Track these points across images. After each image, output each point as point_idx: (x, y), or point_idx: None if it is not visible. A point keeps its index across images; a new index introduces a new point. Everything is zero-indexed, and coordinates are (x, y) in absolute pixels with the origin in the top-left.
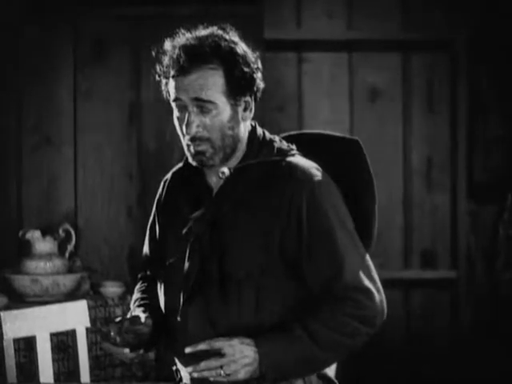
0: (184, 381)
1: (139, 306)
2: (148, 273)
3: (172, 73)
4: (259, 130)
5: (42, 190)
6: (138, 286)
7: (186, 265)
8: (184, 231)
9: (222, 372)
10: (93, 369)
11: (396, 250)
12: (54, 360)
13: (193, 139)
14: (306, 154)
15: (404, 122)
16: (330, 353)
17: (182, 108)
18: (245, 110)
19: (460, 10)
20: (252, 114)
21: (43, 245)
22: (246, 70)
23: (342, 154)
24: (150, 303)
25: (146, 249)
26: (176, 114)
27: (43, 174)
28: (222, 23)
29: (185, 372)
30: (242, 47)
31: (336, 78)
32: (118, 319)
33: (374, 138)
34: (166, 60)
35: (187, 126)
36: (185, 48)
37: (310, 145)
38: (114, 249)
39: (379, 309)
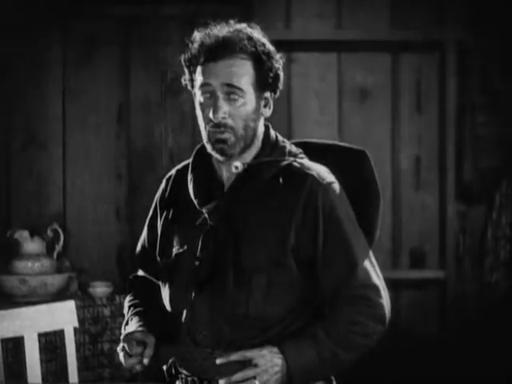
0: (184, 373)
1: (134, 314)
2: (140, 273)
3: (202, 59)
4: (272, 132)
5: (30, 190)
6: (129, 291)
7: (199, 254)
8: (198, 222)
9: (257, 382)
10: (81, 369)
11: (384, 250)
12: (41, 360)
13: (217, 125)
14: (312, 161)
15: (393, 121)
16: (351, 353)
17: (209, 94)
18: (265, 106)
19: (449, 11)
20: (270, 112)
21: (31, 245)
22: (274, 65)
23: (350, 164)
24: (144, 310)
25: (143, 245)
26: (200, 100)
27: (32, 174)
28: (210, 22)
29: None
30: (270, 44)
31: (325, 78)
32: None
33: (362, 138)
34: (196, 47)
35: (214, 111)
36: (218, 36)
37: (316, 153)
38: (103, 249)
39: (386, 306)
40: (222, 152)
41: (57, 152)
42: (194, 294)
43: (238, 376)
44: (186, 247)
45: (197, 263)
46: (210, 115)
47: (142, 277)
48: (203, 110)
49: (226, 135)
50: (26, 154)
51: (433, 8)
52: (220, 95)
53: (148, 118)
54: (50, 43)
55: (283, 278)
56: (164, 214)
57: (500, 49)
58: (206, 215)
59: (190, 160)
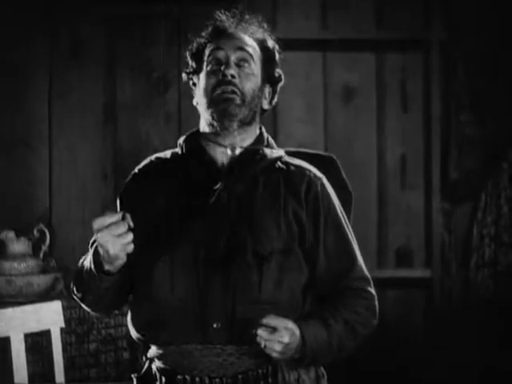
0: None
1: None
2: None
3: (215, 34)
4: (265, 133)
5: (16, 191)
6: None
7: (209, 237)
8: (212, 200)
9: (263, 344)
10: (67, 369)
11: (370, 249)
12: (28, 361)
13: (226, 83)
14: None
15: (378, 121)
16: (353, 342)
17: (219, 60)
18: (264, 97)
19: (434, 11)
20: (267, 106)
21: (17, 245)
22: (277, 64)
23: (319, 169)
24: None
25: None
26: (208, 69)
27: (18, 175)
28: (197, 23)
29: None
30: (277, 47)
31: (310, 77)
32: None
33: (348, 137)
34: (209, 29)
35: (226, 66)
36: (232, 18)
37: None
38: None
39: (376, 299)
40: (225, 112)
41: (43, 152)
42: (205, 277)
43: (274, 336)
44: (188, 232)
45: (208, 245)
46: (222, 68)
47: None
48: (209, 78)
49: (232, 95)
50: (11, 155)
51: (418, 8)
52: (232, 58)
53: (134, 118)
54: (36, 44)
55: (293, 264)
56: (154, 200)
57: (484, 49)
58: (219, 194)
59: (181, 142)
